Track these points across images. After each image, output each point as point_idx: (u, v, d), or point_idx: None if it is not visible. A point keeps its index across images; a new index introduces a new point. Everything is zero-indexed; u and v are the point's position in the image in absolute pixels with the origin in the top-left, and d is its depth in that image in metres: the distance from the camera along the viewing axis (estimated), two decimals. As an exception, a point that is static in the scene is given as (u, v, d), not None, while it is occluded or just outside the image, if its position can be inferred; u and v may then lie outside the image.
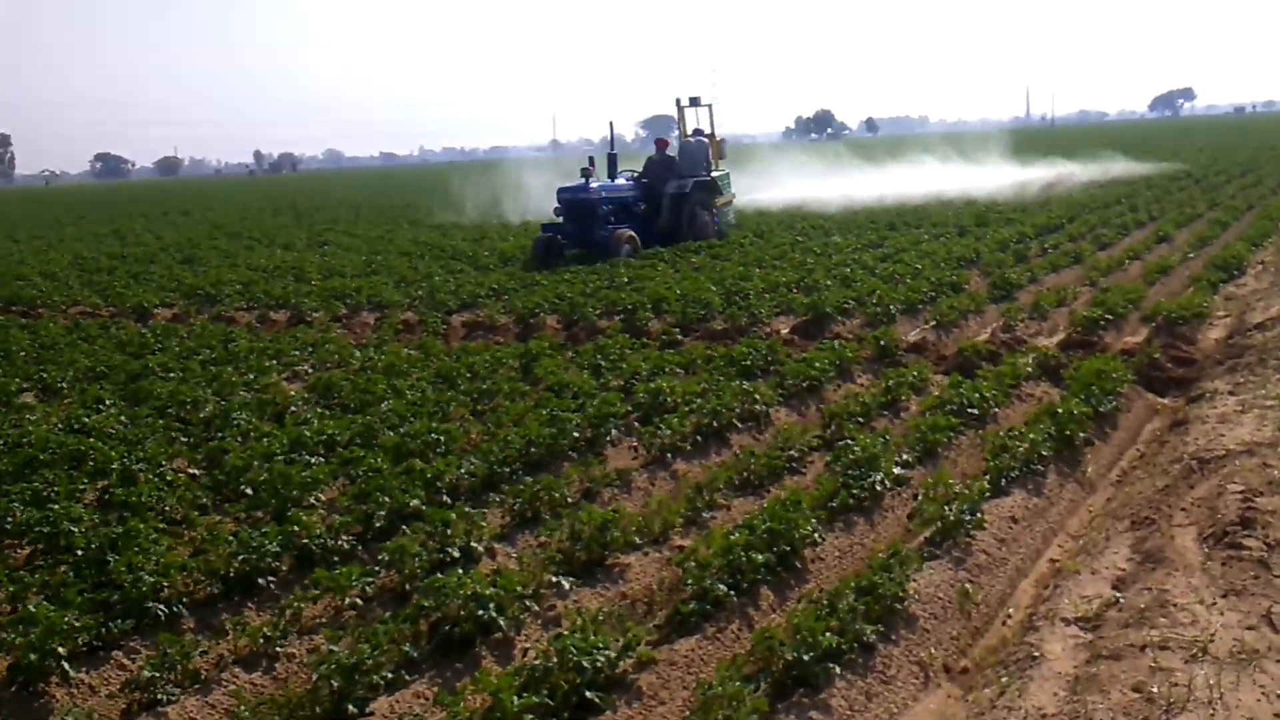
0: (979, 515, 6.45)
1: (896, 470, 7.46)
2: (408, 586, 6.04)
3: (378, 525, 6.93)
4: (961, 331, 13.14)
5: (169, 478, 7.84)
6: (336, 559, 6.58)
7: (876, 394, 9.66)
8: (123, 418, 9.82)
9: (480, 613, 5.35)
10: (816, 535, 6.33)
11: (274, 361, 12.58)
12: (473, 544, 6.49)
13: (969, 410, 8.85)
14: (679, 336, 12.88)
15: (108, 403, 10.55)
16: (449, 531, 6.48)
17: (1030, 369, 10.28)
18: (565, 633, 4.95)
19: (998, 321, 13.44)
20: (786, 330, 13.47)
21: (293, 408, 10.14)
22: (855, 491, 7.01)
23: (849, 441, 7.71)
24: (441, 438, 8.49)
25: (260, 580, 6.17)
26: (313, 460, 8.31)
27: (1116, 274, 16.42)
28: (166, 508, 7.32)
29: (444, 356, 12.06)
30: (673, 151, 23.07)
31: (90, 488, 7.82)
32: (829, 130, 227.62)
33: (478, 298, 16.37)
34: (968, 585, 5.87)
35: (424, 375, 11.13)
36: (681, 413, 8.95)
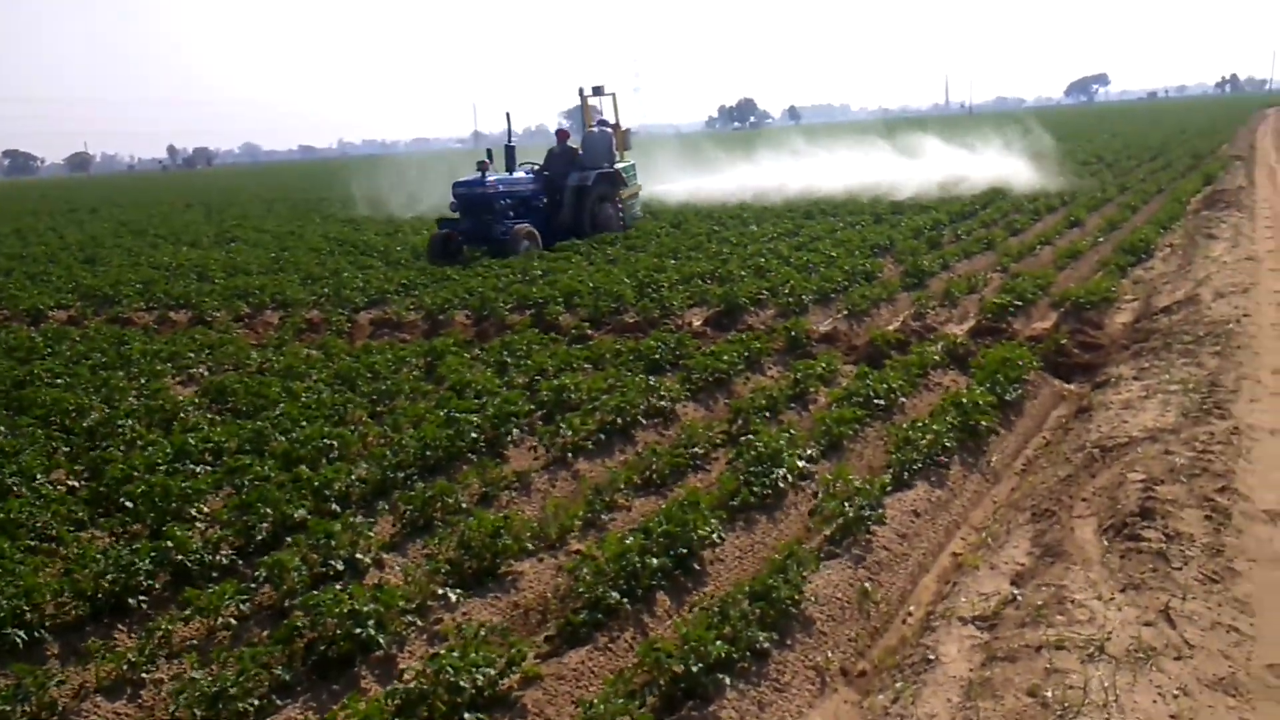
0: (880, 511, 6.34)
1: (801, 465, 7.33)
2: (287, 604, 5.74)
3: (259, 538, 6.63)
4: (873, 320, 13.10)
5: (45, 492, 7.43)
6: (215, 575, 6.28)
7: (785, 386, 9.54)
8: (1, 428, 9.33)
9: (359, 631, 5.09)
10: (716, 536, 6.16)
11: (168, 365, 12.11)
12: (358, 556, 6.21)
13: (876, 402, 8.76)
14: (589, 331, 12.66)
15: (-14, 412, 10.04)
16: (333, 543, 6.20)
17: (938, 357, 10.23)
18: (444, 651, 4.70)
19: (909, 310, 13.42)
20: (699, 322, 13.32)
21: (182, 413, 9.74)
22: (757, 489, 6.86)
23: (752, 437, 7.55)
24: (334, 442, 8.18)
25: (131, 600, 5.83)
26: (198, 469, 7.96)
27: (1028, 259, 16.54)
28: (39, 524, 6.92)
29: (345, 356, 11.71)
30: (575, 143, 22.45)
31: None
32: (751, 119, 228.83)
33: (386, 294, 16.00)
34: (867, 584, 5.74)
35: (323, 376, 10.77)
36: (585, 411, 8.73)
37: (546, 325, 13.22)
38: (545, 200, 21.51)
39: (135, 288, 18.53)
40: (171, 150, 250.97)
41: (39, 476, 7.91)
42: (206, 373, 11.86)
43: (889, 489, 6.81)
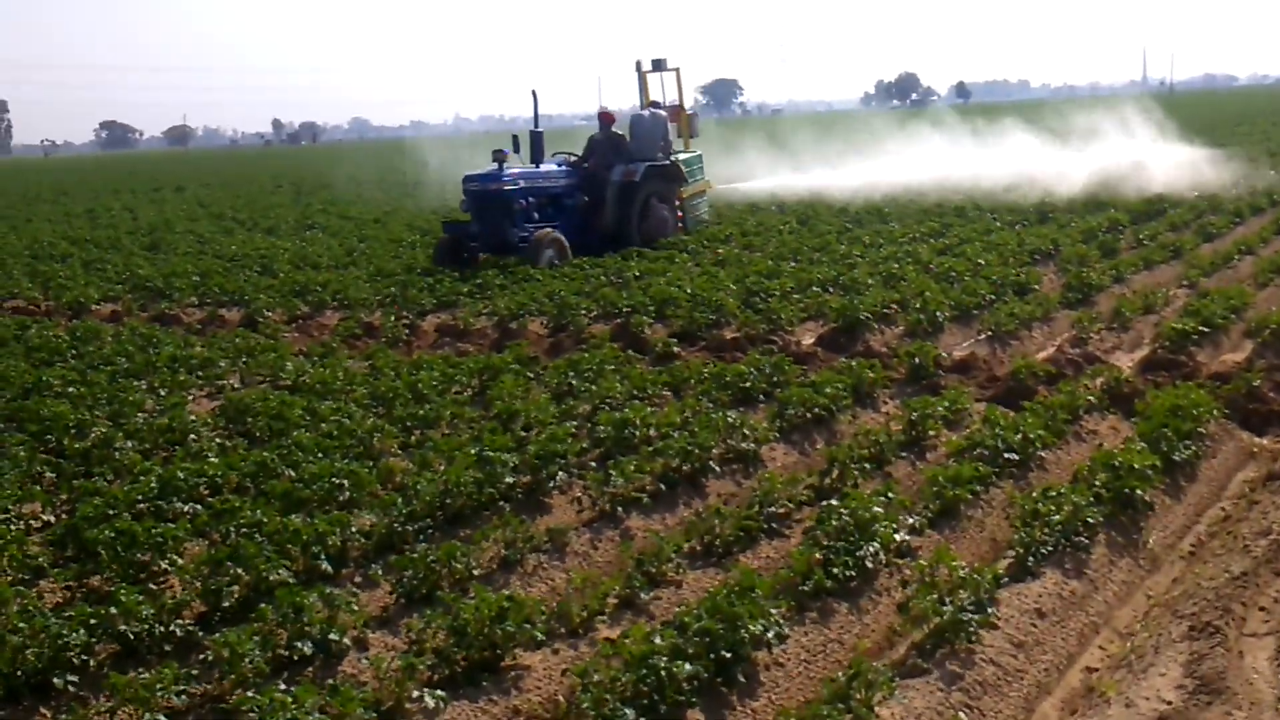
0: (991, 610, 5.49)
1: (899, 538, 6.52)
2: (233, 697, 5.21)
3: (226, 605, 6.14)
4: (1022, 345, 12.12)
5: (10, 528, 7.10)
6: (168, 650, 5.81)
7: (897, 429, 8.71)
8: (-11, 446, 9.14)
9: (297, 749, 4.50)
10: (773, 634, 5.40)
11: (196, 374, 11.89)
12: (332, 636, 5.65)
13: (1007, 456, 7.87)
14: (676, 349, 11.98)
15: (-18, 425, 9.91)
16: (304, 619, 5.65)
17: (1095, 398, 9.26)
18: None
19: (1068, 333, 12.39)
20: (810, 341, 12.55)
21: (192, 436, 9.41)
22: (837, 569, 6.08)
23: (843, 498, 6.75)
24: (346, 482, 7.69)
25: (59, 680, 5.38)
26: (186, 508, 7.56)
27: (1222, 273, 15.27)
28: (-14, 572, 6.59)
29: (390, 371, 11.28)
30: (623, 128, 20.20)
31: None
32: (913, 96, 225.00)
33: (459, 295, 15.61)
34: (962, 713, 4.92)
35: (358, 395, 10.35)
36: (646, 453, 8.06)
37: (630, 339, 12.59)
38: (583, 199, 19.51)
39: (191, 280, 18.61)
40: (276, 124, 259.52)
41: (9, 508, 7.63)
42: (236, 386, 11.59)
43: (1004, 580, 5.95)
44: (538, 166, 19.25)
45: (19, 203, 47.64)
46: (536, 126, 19.63)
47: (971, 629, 5.36)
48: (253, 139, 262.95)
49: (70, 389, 11.11)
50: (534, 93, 19.87)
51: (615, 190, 19.41)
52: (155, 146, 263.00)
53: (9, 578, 6.63)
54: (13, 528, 7.29)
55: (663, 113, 20.75)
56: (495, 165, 18.45)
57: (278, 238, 26.19)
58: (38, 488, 8.25)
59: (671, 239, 20.54)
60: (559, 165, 19.75)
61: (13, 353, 13.28)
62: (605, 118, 20.28)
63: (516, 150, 19.25)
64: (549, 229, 18.35)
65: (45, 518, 7.83)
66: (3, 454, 8.92)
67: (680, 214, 20.87)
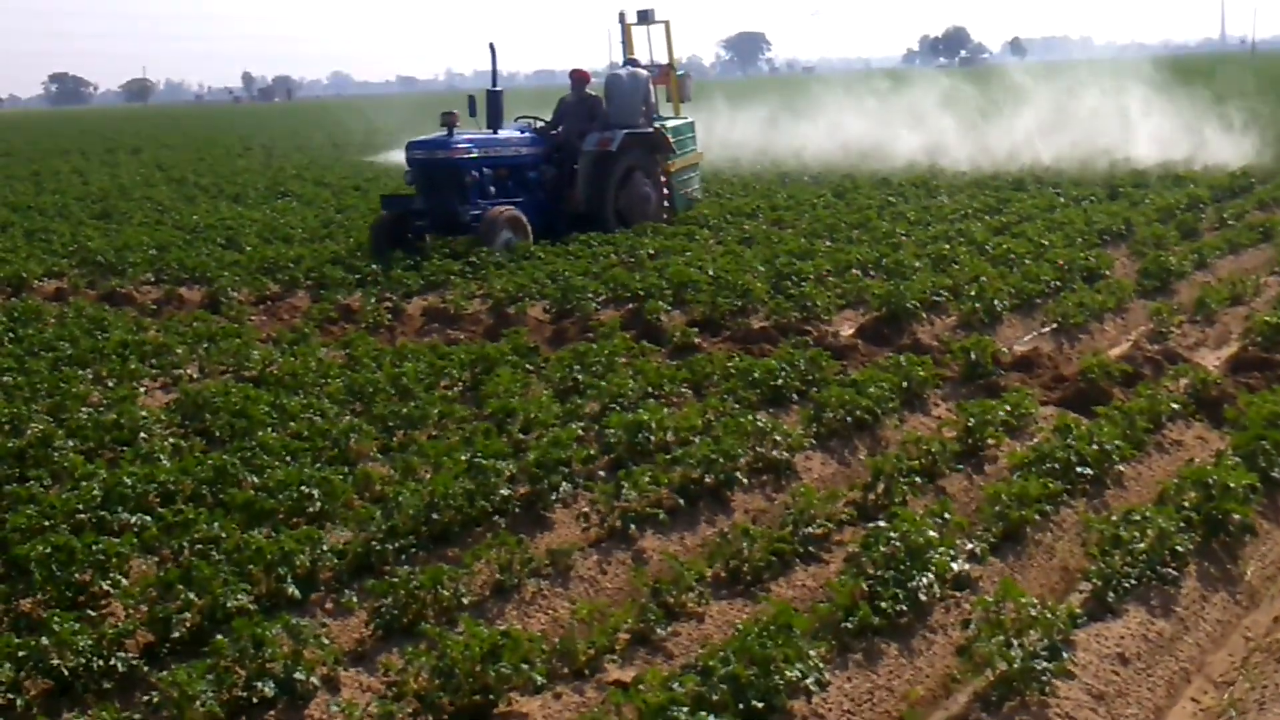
0: (1065, 657, 5.27)
1: (956, 568, 6.29)
2: (181, 747, 5.02)
3: (176, 635, 5.95)
4: (1092, 339, 11.89)
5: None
6: (107, 688, 5.61)
7: (951, 437, 8.48)
8: (-90, 445, 8.95)
9: (253, 812, 4.30)
10: (813, 680, 5.18)
11: (150, 363, 11.70)
12: (297, 676, 5.44)
13: (1080, 470, 7.64)
14: (697, 339, 11.76)
15: (-95, 419, 9.72)
16: (266, 654, 5.45)
17: (1179, 403, 9.02)
18: None
19: (1144, 326, 12.15)
20: (849, 331, 12.33)
21: (142, 435, 9.22)
22: (886, 604, 5.86)
23: (890, 519, 6.52)
24: (316, 491, 7.49)
25: (-23, 724, 5.20)
26: (132, 521, 7.36)
27: (1319, 258, 15.00)
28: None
29: (370, 361, 11.08)
30: (599, 90, 19.45)
31: None
32: (963, 53, 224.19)
33: (449, 275, 15.39)
34: (1035, 779, 4.70)
35: (333, 389, 10.15)
36: (661, 461, 7.85)
37: (644, 328, 12.38)
38: (550, 174, 18.77)
39: (146, 254, 18.44)
40: (247, 79, 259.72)
41: (-70, 519, 7.44)
42: (194, 376, 11.40)
43: (1081, 620, 5.72)
44: (496, 132, 18.38)
45: (-44, 164, 47.51)
46: (495, 85, 18.67)
47: (1045, 678, 5.14)
48: (220, 94, 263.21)
49: (5, 378, 10.94)
50: (491, 45, 18.81)
51: (588, 161, 18.53)
52: (111, 102, 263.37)
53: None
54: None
55: (644, 72, 19.79)
56: (444, 130, 17.68)
57: (245, 206, 26.02)
58: (-31, 493, 8.06)
59: (690, 213, 20.31)
60: (522, 131, 18.98)
61: (-59, 337, 13.10)
62: (578, 77, 19.45)
63: (473, 113, 18.67)
64: (506, 206, 17.52)
65: (-30, 530, 7.64)
66: (-74, 454, 8.74)
67: (667, 191, 19.86)
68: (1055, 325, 12.05)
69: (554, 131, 19.04)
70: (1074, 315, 12.04)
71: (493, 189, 17.88)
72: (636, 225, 18.45)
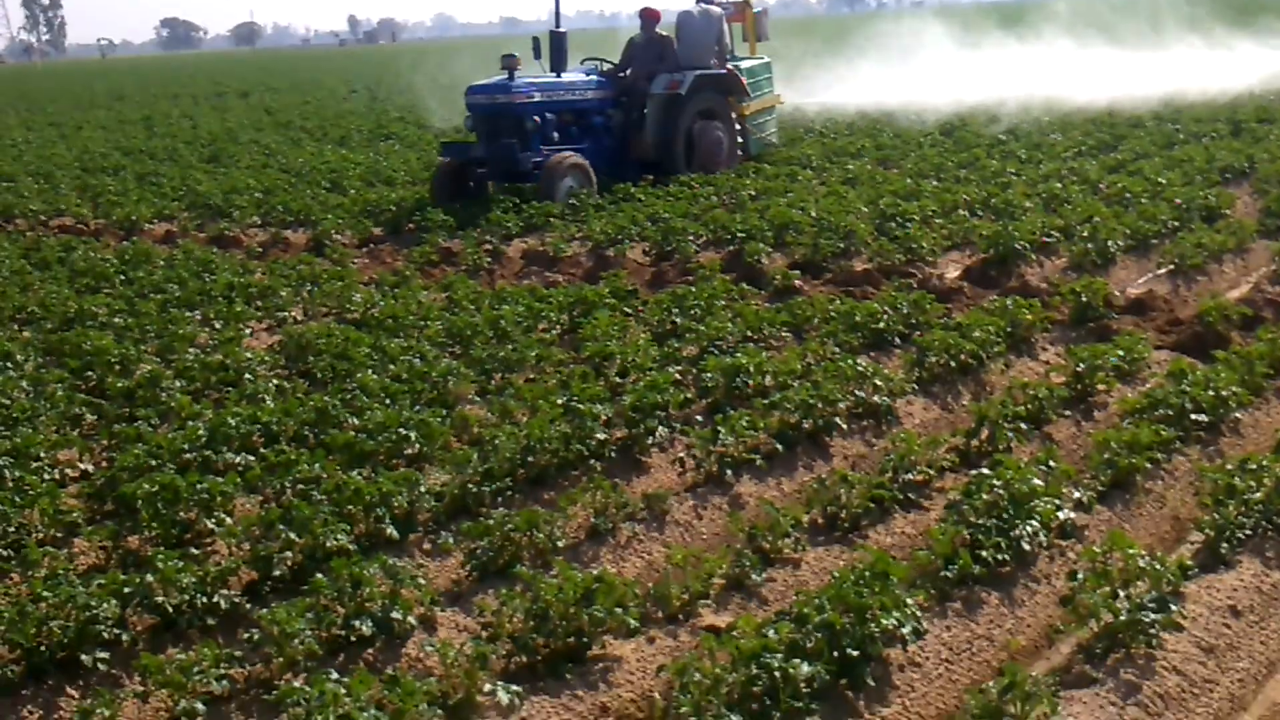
0: (1175, 609, 5.14)
1: (1062, 516, 6.16)
2: (280, 682, 5.11)
3: (277, 574, 6.05)
4: (1210, 282, 11.54)
5: (31, 482, 7.09)
6: (212, 624, 5.74)
7: (1059, 383, 8.31)
8: (24, 383, 9.20)
9: (346, 755, 4.36)
10: (910, 629, 5.12)
11: (255, 305, 11.89)
12: (394, 615, 5.51)
13: (1194, 417, 7.44)
14: (798, 281, 11.63)
15: (19, 358, 10.00)
16: (364, 593, 5.52)
17: (1302, 349, 8.73)
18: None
19: (1267, 267, 11.76)
20: (955, 274, 12.12)
21: (247, 376, 9.38)
22: (987, 552, 5.77)
23: (994, 466, 6.40)
24: (415, 434, 7.55)
25: (86, 657, 5.33)
26: (236, 461, 7.50)
27: None
28: (9, 530, 6.57)
29: (469, 304, 11.13)
30: (670, 29, 18.52)
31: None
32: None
33: (549, 218, 15.38)
34: (1138, 733, 4.60)
35: (432, 332, 10.22)
36: (759, 405, 7.79)
37: (744, 270, 12.27)
38: (617, 118, 18.05)
39: (253, 197, 18.69)
40: (352, 22, 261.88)
41: (41, 456, 7.64)
42: (298, 319, 11.56)
43: (1193, 571, 5.58)
44: (559, 76, 17.69)
45: (71, 108, 48.63)
46: (558, 25, 17.93)
47: (1152, 630, 5.02)
48: (326, 38, 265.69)
49: (116, 319, 11.20)
50: None
51: (657, 105, 17.76)
52: (220, 46, 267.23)
53: (39, 535, 6.65)
54: (46, 478, 7.32)
55: (717, 9, 18.80)
56: (505, 74, 17.03)
57: (350, 150, 26.24)
58: (75, 433, 8.28)
59: (793, 153, 20.05)
60: (588, 74, 18.27)
61: (56, 277, 13.44)
62: (647, 15, 18.54)
63: (537, 56, 17.88)
64: (569, 153, 16.88)
65: (83, 466, 7.84)
66: (40, 393, 8.97)
67: (740, 135, 19.07)
68: (1171, 267, 11.72)
69: (622, 74, 18.33)
70: (1191, 256, 11.69)
71: (556, 135, 17.28)
72: (709, 172, 17.75)
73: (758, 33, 20.66)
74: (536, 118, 16.90)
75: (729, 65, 18.61)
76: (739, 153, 18.96)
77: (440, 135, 25.31)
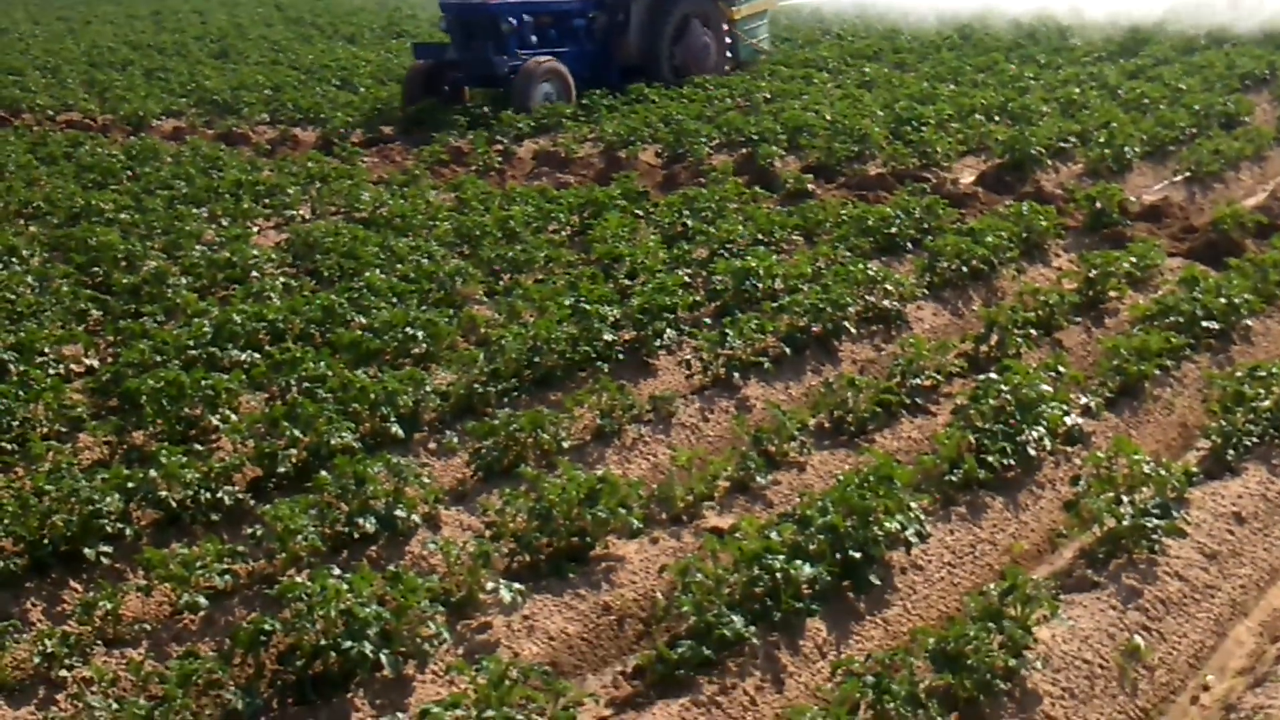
0: (1178, 515, 5.12)
1: (1069, 422, 6.14)
2: (282, 578, 5.13)
3: (281, 470, 6.06)
4: (1227, 190, 11.43)
5: (37, 376, 7.08)
6: (215, 520, 5.75)
7: (1071, 289, 8.24)
8: (30, 278, 9.17)
9: (350, 646, 4.38)
10: (913, 532, 5.12)
11: (263, 202, 11.81)
12: (398, 512, 5.52)
13: (1205, 324, 7.38)
14: (810, 185, 11.50)
15: (25, 253, 9.96)
16: (368, 491, 5.52)
17: (1316, 257, 8.63)
18: (435, 709, 3.94)
19: (1284, 175, 11.63)
20: (969, 179, 11.99)
21: (254, 274, 9.33)
22: (993, 458, 5.75)
23: (1001, 371, 6.35)
24: (421, 333, 7.52)
25: (90, 551, 5.35)
26: (242, 358, 7.48)
27: None
28: (14, 424, 6.57)
29: (478, 204, 11.04)
30: None
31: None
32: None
33: (561, 118, 15.19)
34: (1139, 636, 4.61)
35: (441, 232, 10.15)
36: (767, 308, 7.74)
37: (757, 173, 12.13)
38: (599, 21, 17.32)
39: (262, 94, 18.50)
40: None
41: (46, 351, 7.63)
42: (306, 217, 11.48)
43: (1198, 476, 5.56)
44: None
45: (79, 2, 48.05)
46: None
47: (1155, 535, 5.02)
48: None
49: (123, 216, 11.13)
50: None
51: (641, 8, 17.05)
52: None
53: (43, 430, 6.65)
54: (51, 372, 7.31)
55: None
56: None
57: (360, 47, 25.92)
58: (81, 328, 8.25)
59: (810, 55, 19.73)
60: None
61: (62, 172, 13.36)
62: None
63: None
64: (546, 57, 16.20)
65: (88, 362, 7.84)
66: (45, 288, 8.94)
67: (730, 40, 18.39)
68: (1188, 174, 11.59)
69: None
70: (1208, 163, 11.55)
71: (534, 39, 16.50)
72: (694, 77, 17.13)
73: None
74: (512, 20, 16.15)
75: None
76: (728, 59, 18.40)
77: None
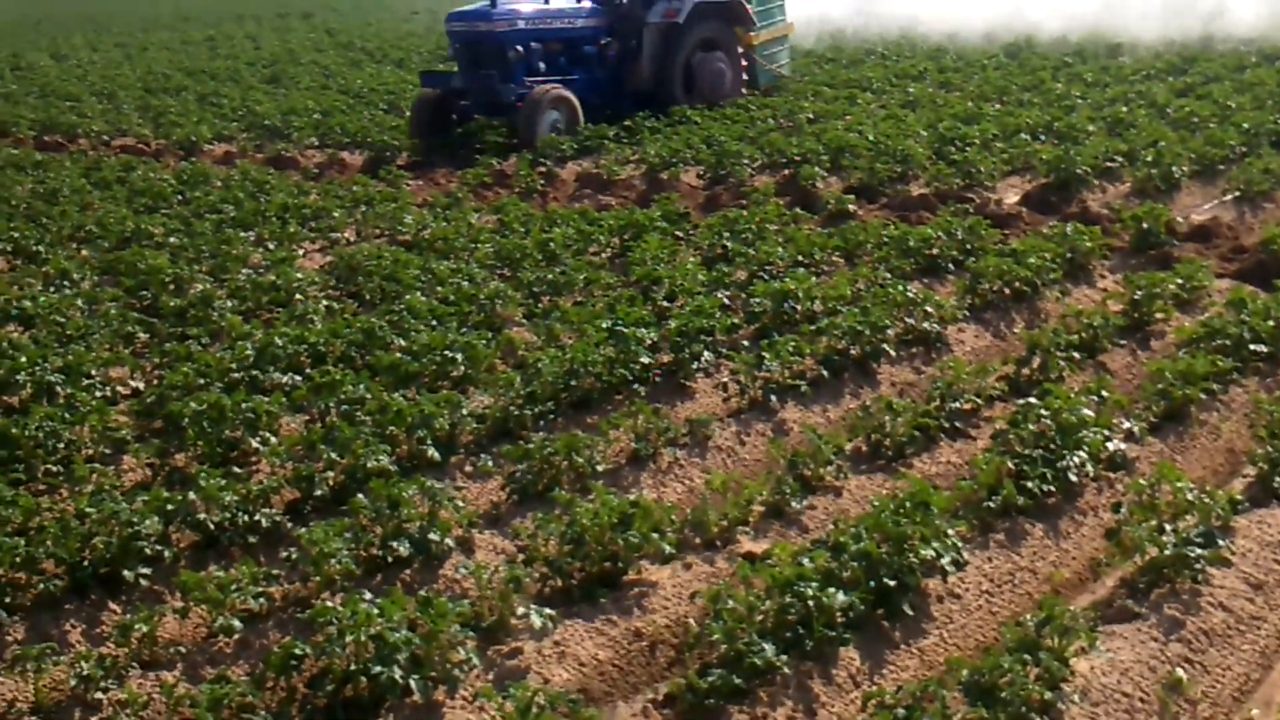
0: (1223, 544, 5.00)
1: (1111, 447, 6.03)
2: (316, 601, 5.11)
3: (319, 493, 6.05)
4: (1277, 209, 11.24)
5: (82, 399, 7.12)
6: (252, 542, 5.75)
7: (1116, 311, 8.12)
8: (80, 301, 9.26)
9: (380, 671, 4.35)
10: (949, 560, 5.03)
11: (309, 226, 11.87)
12: (431, 536, 5.49)
13: (1253, 347, 7.24)
14: (852, 206, 11.40)
15: (76, 276, 10.07)
16: (402, 514, 5.50)
17: (1367, 278, 8.47)
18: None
19: (1337, 195, 11.42)
20: (1014, 199, 11.86)
21: (298, 296, 9.37)
22: (1033, 483, 5.65)
23: (1043, 395, 6.25)
24: (460, 355, 7.51)
25: (128, 573, 5.36)
26: (283, 380, 7.49)
27: None
28: (59, 445, 6.61)
29: (519, 227, 11.04)
30: None
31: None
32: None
33: (604, 140, 15.19)
34: (1180, 669, 4.50)
35: (482, 254, 10.15)
36: (805, 331, 7.67)
37: (799, 194, 12.09)
38: (612, 47, 16.80)
39: (311, 119, 18.63)
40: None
41: (93, 373, 7.68)
42: (351, 240, 11.53)
43: (1243, 504, 5.43)
44: (547, 2, 16.43)
45: (137, 29, 48.72)
46: None
47: (1198, 565, 4.89)
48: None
49: (172, 239, 11.23)
50: None
51: (654, 34, 16.57)
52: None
53: (88, 452, 6.69)
54: (97, 395, 7.36)
55: None
56: (486, 0, 15.88)
57: (408, 71, 26.05)
58: (128, 351, 8.32)
59: (853, 75, 19.63)
60: (578, 1, 16.91)
61: (115, 197, 13.51)
62: None
63: None
64: (553, 85, 15.70)
65: (134, 384, 7.87)
66: (94, 311, 9.02)
67: (746, 65, 17.85)
68: (1237, 193, 11.42)
69: (620, 1, 17.00)
70: (1259, 183, 11.37)
71: (543, 65, 16.04)
72: (711, 103, 16.69)
73: None
74: (519, 47, 15.72)
75: None
76: (745, 81, 17.90)
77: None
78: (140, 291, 9.63)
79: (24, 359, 7.64)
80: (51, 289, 9.73)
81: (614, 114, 16.09)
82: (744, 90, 17.75)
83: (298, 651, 4.43)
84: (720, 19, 17.16)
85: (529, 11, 16.07)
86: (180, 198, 13.35)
